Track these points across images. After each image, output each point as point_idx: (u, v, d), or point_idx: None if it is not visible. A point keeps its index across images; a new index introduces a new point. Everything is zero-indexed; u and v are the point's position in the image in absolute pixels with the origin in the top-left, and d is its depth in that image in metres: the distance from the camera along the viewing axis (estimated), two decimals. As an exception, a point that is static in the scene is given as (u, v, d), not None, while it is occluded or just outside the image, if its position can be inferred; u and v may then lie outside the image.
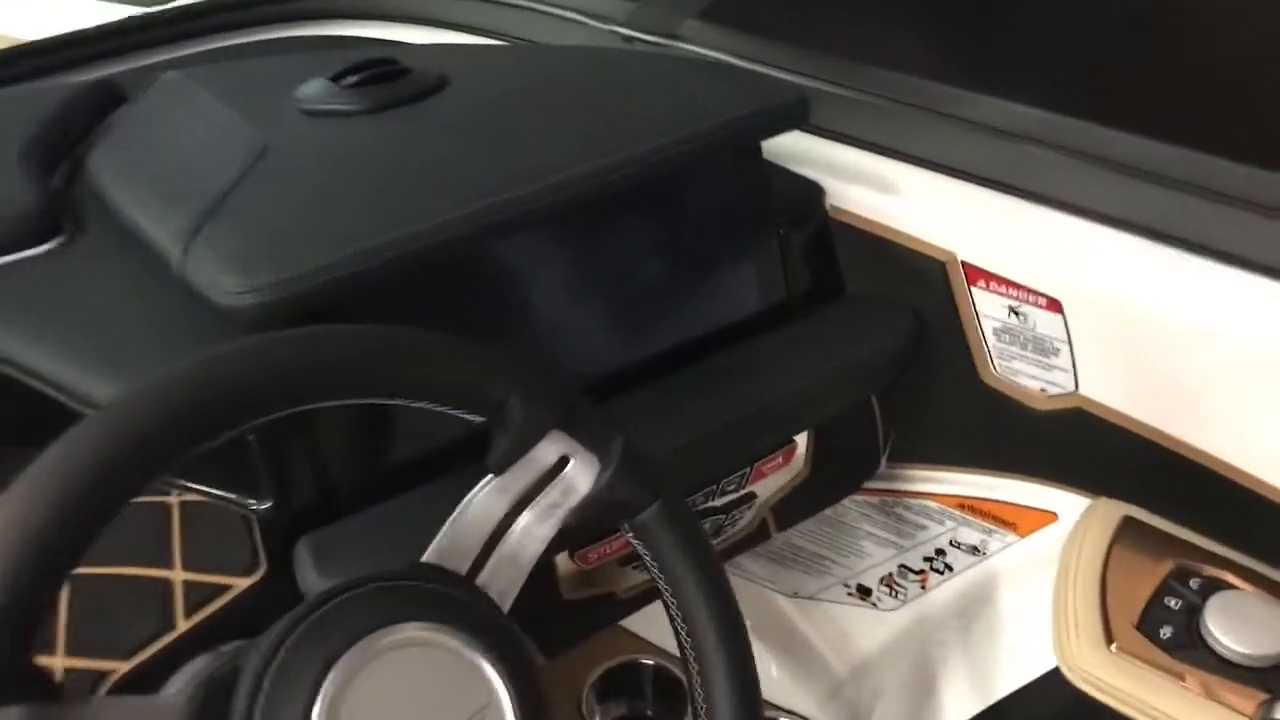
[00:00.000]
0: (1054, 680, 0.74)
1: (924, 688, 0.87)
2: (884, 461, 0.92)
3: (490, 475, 0.56)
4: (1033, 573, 0.82)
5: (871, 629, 0.92)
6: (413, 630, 0.50)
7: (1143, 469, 0.78)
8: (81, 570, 0.61)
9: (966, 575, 0.88)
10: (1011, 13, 0.99)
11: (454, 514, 0.55)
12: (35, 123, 0.81)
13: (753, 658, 0.62)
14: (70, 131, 0.81)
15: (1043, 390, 0.81)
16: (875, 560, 0.93)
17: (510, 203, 0.66)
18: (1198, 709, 0.67)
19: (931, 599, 0.90)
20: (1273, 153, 0.70)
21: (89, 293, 0.69)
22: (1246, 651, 0.68)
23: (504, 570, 0.56)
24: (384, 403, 0.54)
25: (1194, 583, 0.73)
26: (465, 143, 0.73)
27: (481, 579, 0.55)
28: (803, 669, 0.94)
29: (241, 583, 0.64)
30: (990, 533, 0.87)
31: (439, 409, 0.55)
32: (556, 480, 0.57)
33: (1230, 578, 0.73)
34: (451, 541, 0.55)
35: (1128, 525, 0.78)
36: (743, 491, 0.84)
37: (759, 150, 0.82)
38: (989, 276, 0.79)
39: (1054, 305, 0.76)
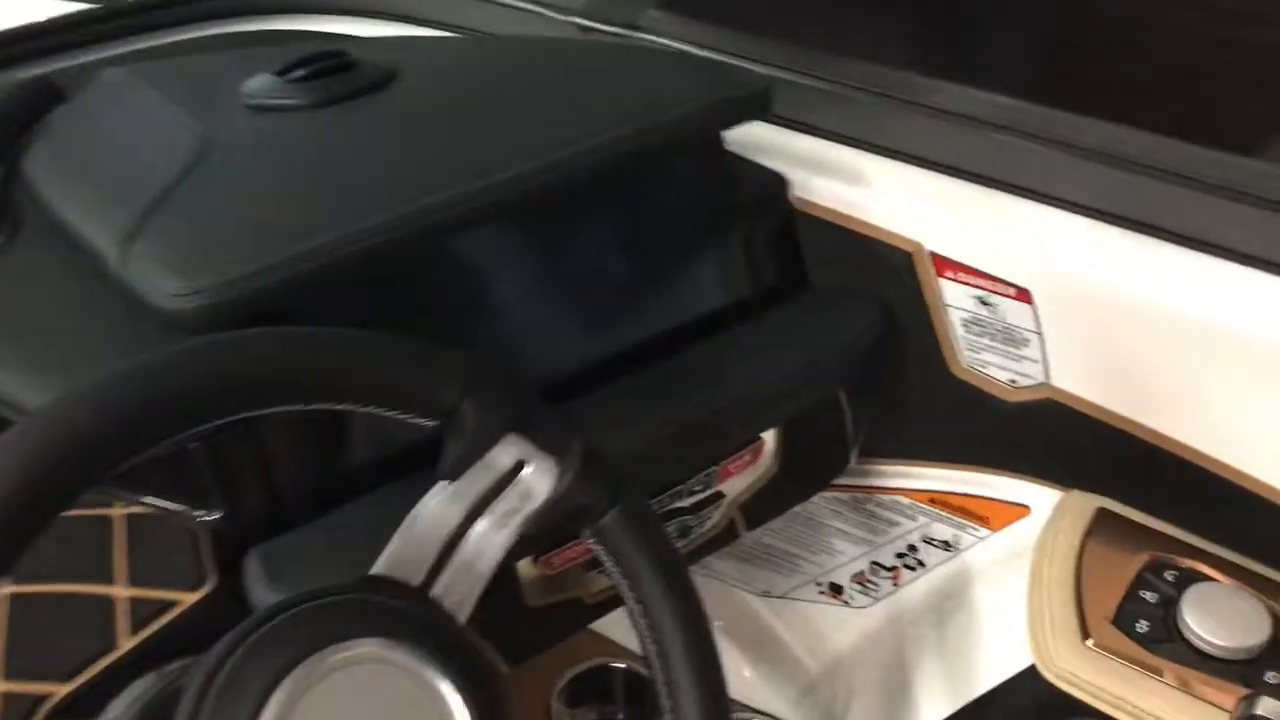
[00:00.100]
0: (1030, 678, 0.73)
1: (898, 686, 0.87)
2: (854, 457, 0.91)
3: (443, 481, 0.54)
4: (1006, 568, 0.81)
5: (844, 627, 0.92)
6: (362, 647, 0.48)
7: (1115, 460, 0.77)
8: (17, 589, 0.59)
9: (939, 571, 0.87)
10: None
11: (405, 523, 0.53)
12: (-31, 123, 0.78)
13: (720, 664, 0.60)
14: (5, 131, 0.79)
15: (1013, 381, 0.80)
16: (847, 557, 0.93)
17: (462, 198, 0.64)
18: (1176, 705, 0.66)
19: (904, 596, 0.89)
20: (1244, 137, 0.69)
21: (24, 296, 0.66)
22: (1224, 644, 0.68)
23: (460, 580, 0.54)
24: (330, 409, 0.51)
25: (1170, 575, 0.72)
26: (416, 137, 0.71)
27: (436, 590, 0.53)
28: (775, 669, 0.93)
29: (188, 598, 0.62)
30: (962, 528, 0.86)
31: (388, 414, 0.52)
32: (513, 485, 0.55)
33: (1206, 569, 0.73)
34: (403, 551, 0.53)
35: (1101, 517, 0.77)
36: (710, 491, 0.83)
37: (721, 141, 0.80)
38: (957, 266, 0.77)
39: (1023, 295, 0.75)
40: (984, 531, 0.85)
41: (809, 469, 0.90)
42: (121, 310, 0.61)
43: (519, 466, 0.55)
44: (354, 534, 0.62)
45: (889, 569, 0.90)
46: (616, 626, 0.84)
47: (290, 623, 0.49)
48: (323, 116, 0.73)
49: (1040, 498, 0.82)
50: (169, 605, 0.61)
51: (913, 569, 0.89)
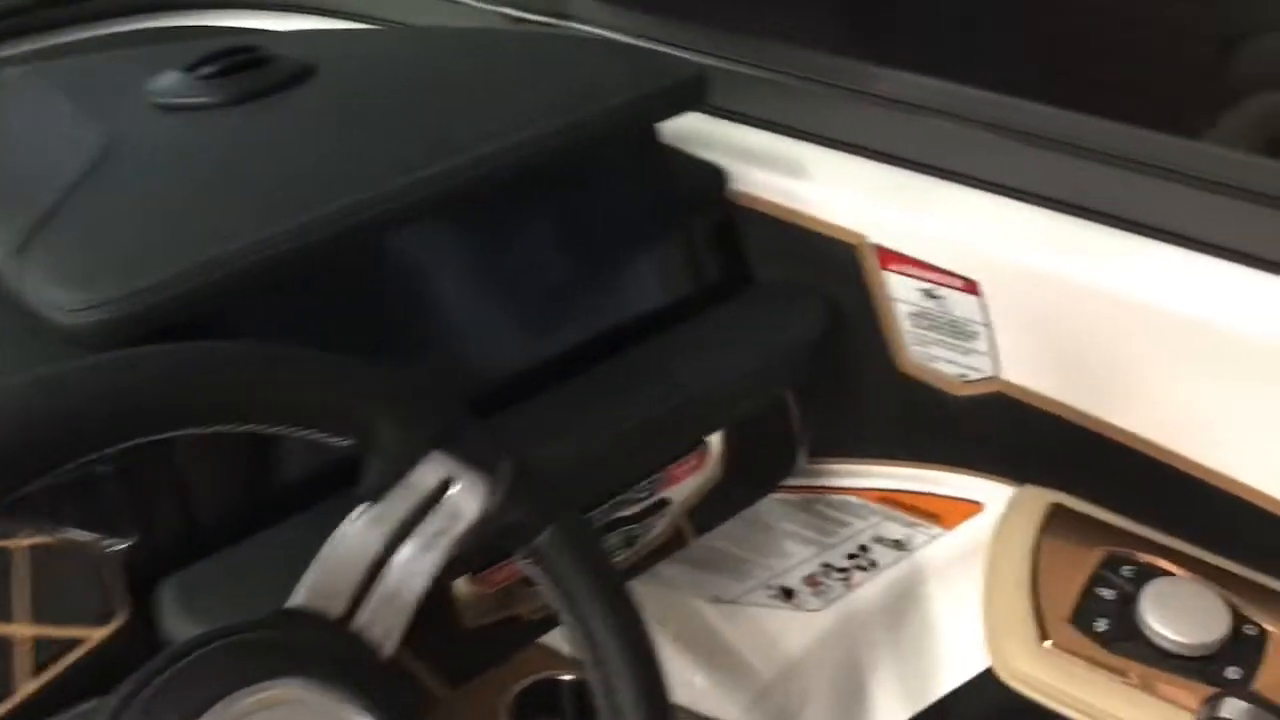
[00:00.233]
0: (988, 681, 0.71)
1: (853, 691, 0.85)
2: (802, 457, 0.88)
3: (364, 504, 0.50)
4: (960, 566, 0.80)
5: (797, 631, 0.90)
6: (278, 688, 0.45)
7: (1068, 454, 0.75)
8: (-94, 633, 0.55)
9: (892, 572, 0.85)
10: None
11: (324, 550, 0.49)
12: None
13: (665, 688, 0.57)
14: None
15: (962, 376, 0.78)
16: (797, 559, 0.90)
17: (384, 198, 0.62)
18: (1138, 706, 0.65)
19: (857, 597, 0.87)
20: (1196, 121, 0.68)
21: None
22: (1184, 641, 0.66)
23: (384, 610, 0.50)
24: (232, 431, 0.48)
25: (1127, 570, 0.71)
26: (335, 134, 0.68)
27: (358, 622, 0.49)
28: (726, 676, 0.91)
29: (96, 634, 0.58)
30: (914, 526, 0.84)
31: (299, 434, 0.49)
32: (439, 506, 0.51)
33: (1164, 563, 0.72)
34: (322, 581, 0.49)
35: (1056, 513, 0.76)
36: (655, 498, 0.80)
37: (656, 134, 0.77)
38: (901, 259, 0.75)
39: (970, 286, 0.73)
40: (937, 530, 0.83)
41: (757, 471, 0.88)
42: (15, 326, 0.58)
43: (445, 485, 0.52)
44: (275, 560, 0.58)
45: (841, 570, 0.88)
46: (562, 638, 0.82)
47: (200, 663, 0.46)
48: (235, 115, 0.70)
49: (993, 494, 0.81)
50: (74, 643, 0.58)
51: (865, 569, 0.87)
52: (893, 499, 0.85)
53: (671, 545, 0.85)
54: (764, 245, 0.83)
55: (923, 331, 0.78)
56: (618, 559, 0.80)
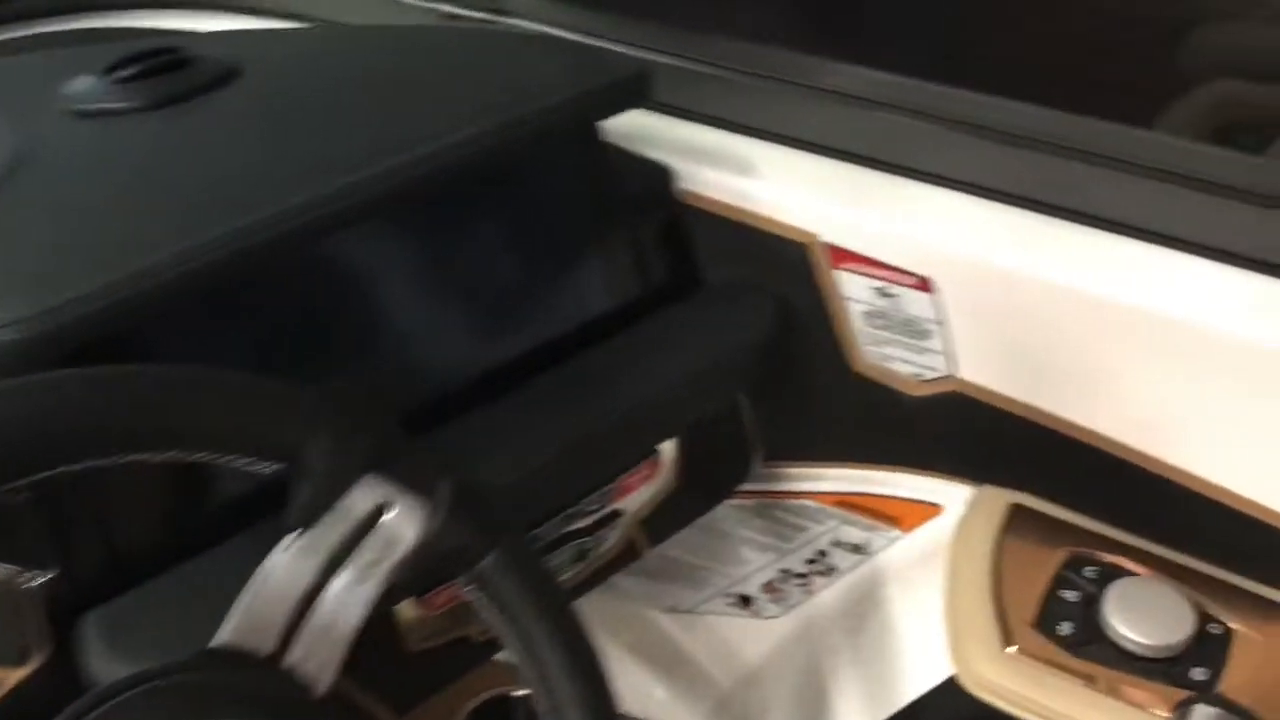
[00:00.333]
0: (952, 688, 0.69)
1: (814, 699, 0.83)
2: (757, 462, 0.86)
3: (293, 533, 0.47)
4: (921, 570, 0.78)
5: (756, 639, 0.88)
6: (202, 736, 0.42)
7: (1027, 452, 0.74)
8: None
9: (851, 577, 0.84)
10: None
11: (251, 583, 0.46)
12: None
13: (615, 712, 0.55)
14: None
15: (917, 375, 0.77)
16: (755, 566, 0.89)
17: (314, 203, 0.59)
18: (1106, 712, 0.63)
19: (817, 603, 0.86)
20: (1150, 112, 0.66)
21: None
22: (1149, 643, 0.65)
23: (317, 645, 0.47)
24: (150, 460, 0.45)
25: (1090, 571, 0.70)
26: (261, 138, 0.66)
27: (290, 659, 0.46)
28: (686, 687, 0.90)
29: (13, 675, 0.55)
30: (873, 530, 0.83)
31: (221, 460, 0.46)
32: (374, 533, 0.48)
33: (1127, 563, 0.71)
34: (250, 617, 0.46)
35: (1016, 514, 0.74)
36: (606, 510, 0.78)
37: (597, 132, 0.75)
38: (853, 257, 0.74)
39: (923, 284, 0.72)
40: (896, 533, 0.82)
41: (711, 478, 0.86)
42: None
43: (380, 511, 0.49)
44: (204, 591, 0.56)
45: (800, 576, 0.86)
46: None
47: (118, 713, 0.42)
48: (155, 120, 0.68)
49: (952, 495, 0.79)
50: (-11, 686, 0.54)
51: (825, 574, 0.85)
52: (851, 502, 0.84)
53: (625, 557, 0.83)
54: (713, 245, 0.81)
55: (877, 331, 0.76)
56: (569, 575, 0.77)
